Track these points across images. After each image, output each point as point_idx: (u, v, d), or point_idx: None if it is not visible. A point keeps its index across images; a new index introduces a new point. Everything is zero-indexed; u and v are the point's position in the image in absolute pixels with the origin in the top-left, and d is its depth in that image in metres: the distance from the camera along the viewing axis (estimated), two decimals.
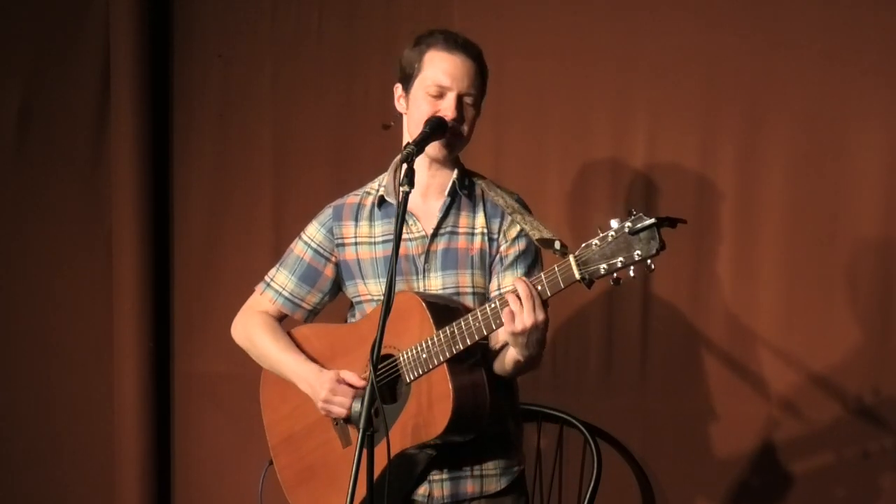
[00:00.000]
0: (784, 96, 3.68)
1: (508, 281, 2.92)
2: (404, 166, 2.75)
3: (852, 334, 3.63)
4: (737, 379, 3.75)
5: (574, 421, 3.61)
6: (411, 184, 2.75)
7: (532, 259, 2.99)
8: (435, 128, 2.88)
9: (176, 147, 4.49)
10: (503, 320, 2.73)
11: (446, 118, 2.89)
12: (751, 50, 3.70)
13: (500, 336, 2.86)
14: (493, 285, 2.97)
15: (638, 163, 3.84)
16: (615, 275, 2.61)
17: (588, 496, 3.52)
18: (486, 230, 2.98)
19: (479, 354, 2.89)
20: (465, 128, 2.93)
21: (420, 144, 2.83)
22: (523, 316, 2.70)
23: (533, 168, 3.90)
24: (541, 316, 2.71)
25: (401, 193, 2.73)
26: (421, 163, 2.96)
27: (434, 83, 2.92)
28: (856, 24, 3.60)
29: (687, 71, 3.77)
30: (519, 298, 2.71)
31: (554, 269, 2.69)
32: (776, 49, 3.68)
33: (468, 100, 2.93)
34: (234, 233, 4.43)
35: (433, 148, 2.92)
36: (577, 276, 2.65)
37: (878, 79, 3.58)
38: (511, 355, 2.85)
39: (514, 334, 2.73)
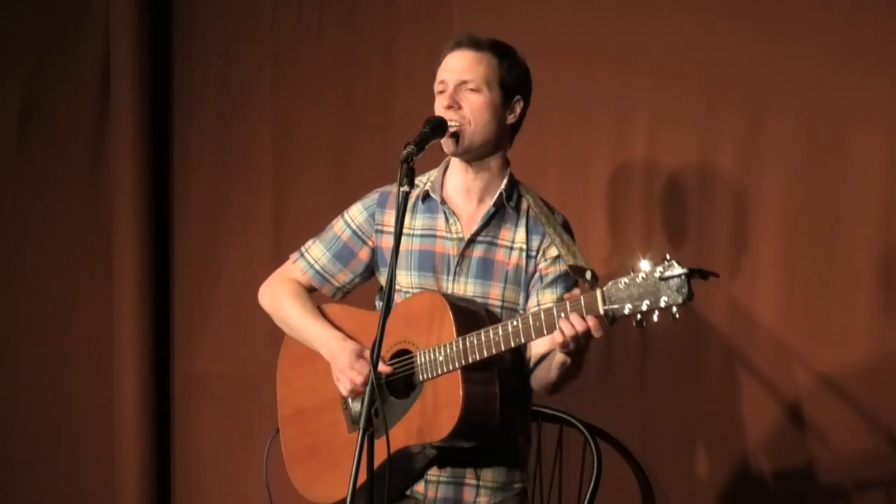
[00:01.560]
0: (784, 96, 3.68)
1: (548, 299, 2.92)
2: (404, 166, 2.75)
3: (853, 334, 3.63)
4: (737, 379, 3.75)
5: (574, 421, 3.60)
6: (411, 184, 2.75)
7: (573, 280, 2.96)
8: (434, 127, 2.88)
9: (176, 147, 4.50)
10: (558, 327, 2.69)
11: (442, 107, 2.91)
12: (751, 50, 3.70)
13: (539, 348, 2.87)
14: (532, 302, 2.96)
15: (638, 163, 3.84)
16: (639, 317, 2.60)
17: (588, 496, 3.52)
18: (525, 246, 2.98)
19: (496, 367, 2.88)
20: (467, 114, 2.92)
21: (420, 144, 2.83)
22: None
23: (533, 168, 3.89)
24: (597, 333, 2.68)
25: (400, 194, 2.73)
26: (459, 165, 3.00)
27: (437, 80, 2.97)
28: (856, 24, 3.60)
29: (687, 71, 3.77)
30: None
31: (580, 299, 2.68)
32: (776, 49, 3.68)
33: (469, 86, 2.92)
34: (234, 233, 4.43)
35: (445, 144, 2.93)
36: (601, 311, 2.64)
37: (878, 79, 3.58)
38: (559, 358, 2.81)
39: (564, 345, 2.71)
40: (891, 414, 3.60)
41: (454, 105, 2.91)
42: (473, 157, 2.97)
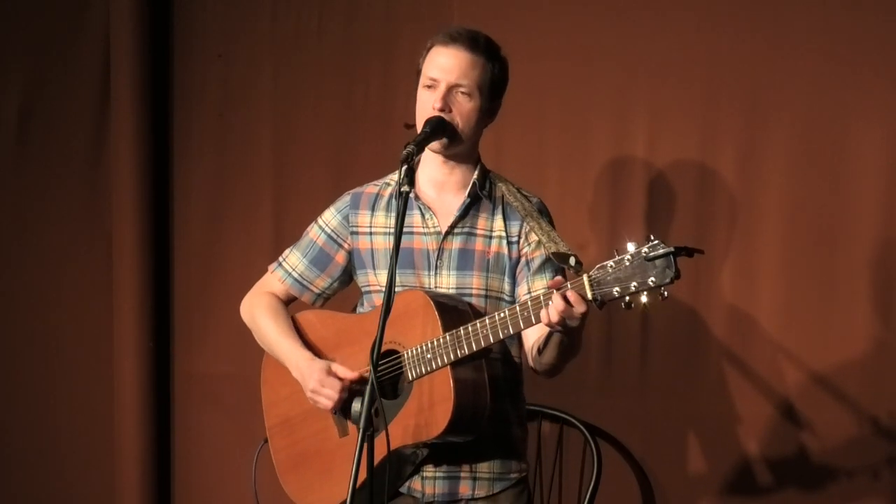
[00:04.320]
0: (784, 96, 3.68)
1: (539, 285, 2.92)
2: (404, 167, 2.75)
3: (853, 334, 3.63)
4: (737, 379, 3.76)
5: (574, 421, 3.61)
6: (411, 184, 2.76)
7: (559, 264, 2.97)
8: (435, 128, 2.88)
9: (176, 147, 4.50)
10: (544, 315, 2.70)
11: (433, 108, 2.90)
12: (751, 50, 3.71)
13: (535, 334, 2.87)
14: (523, 290, 2.96)
15: (638, 163, 3.84)
16: (627, 298, 2.60)
17: (588, 496, 3.52)
18: (504, 233, 2.98)
19: (483, 359, 2.88)
20: (457, 118, 2.92)
21: (420, 145, 2.84)
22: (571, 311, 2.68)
23: (533, 168, 3.90)
24: (582, 307, 2.68)
25: (401, 194, 2.73)
26: (433, 160, 2.99)
27: (427, 76, 2.95)
28: (856, 24, 3.60)
29: (687, 71, 3.77)
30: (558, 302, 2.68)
31: (566, 285, 2.68)
32: (776, 49, 3.68)
33: (462, 89, 2.92)
34: (234, 233, 4.43)
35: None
36: (589, 295, 2.65)
37: (878, 79, 3.58)
38: (556, 337, 2.81)
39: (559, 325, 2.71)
40: (891, 415, 3.60)
41: (445, 108, 2.91)
42: (451, 153, 2.98)
